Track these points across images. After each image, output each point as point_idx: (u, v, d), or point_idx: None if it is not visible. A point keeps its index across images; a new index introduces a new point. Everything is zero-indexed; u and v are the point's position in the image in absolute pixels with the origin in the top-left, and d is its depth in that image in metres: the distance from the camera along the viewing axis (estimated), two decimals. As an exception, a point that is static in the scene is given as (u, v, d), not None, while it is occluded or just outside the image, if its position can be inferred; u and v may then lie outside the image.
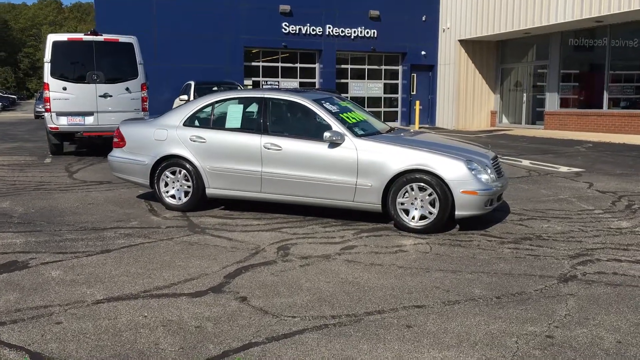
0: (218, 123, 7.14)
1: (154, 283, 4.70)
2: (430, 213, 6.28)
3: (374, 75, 25.00)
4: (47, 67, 12.08)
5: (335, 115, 6.79)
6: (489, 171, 6.43)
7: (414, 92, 25.21)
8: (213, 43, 21.32)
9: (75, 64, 12.26)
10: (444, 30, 24.76)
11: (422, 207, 6.32)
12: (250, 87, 23.16)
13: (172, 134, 7.19)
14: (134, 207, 7.50)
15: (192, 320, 3.96)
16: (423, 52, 24.77)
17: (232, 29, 21.67)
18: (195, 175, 7.08)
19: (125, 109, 12.29)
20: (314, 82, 23.67)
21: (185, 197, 7.22)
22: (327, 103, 7.02)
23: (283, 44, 22.51)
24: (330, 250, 5.67)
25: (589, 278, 4.93)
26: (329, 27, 23.10)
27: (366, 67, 24.78)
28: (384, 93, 25.25)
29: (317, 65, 23.79)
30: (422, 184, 6.27)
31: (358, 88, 24.71)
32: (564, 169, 11.42)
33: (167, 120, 7.35)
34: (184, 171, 7.15)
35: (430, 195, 6.26)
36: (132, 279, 4.80)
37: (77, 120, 12.14)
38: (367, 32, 23.67)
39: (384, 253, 5.62)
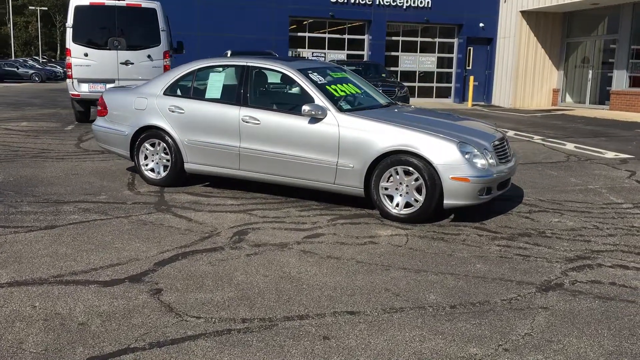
0: (198, 93, 6.61)
1: (74, 267, 4.26)
2: (416, 200, 5.56)
3: (426, 48, 23.82)
4: (69, 32, 11.89)
5: (320, 87, 6.11)
6: (488, 155, 5.62)
7: (470, 67, 23.88)
8: (258, 12, 20.78)
9: (97, 30, 12.02)
10: (505, 1, 23.21)
11: (407, 193, 5.60)
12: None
13: (152, 103, 6.73)
14: (115, 180, 7.13)
15: (81, 315, 3.48)
16: (481, 24, 23.35)
17: (278, -3, 21.07)
18: (174, 149, 6.60)
19: (146, 76, 11.94)
20: (363, 55, 22.79)
21: (164, 171, 6.77)
22: (315, 73, 6.33)
23: (330, 14, 21.70)
24: (292, 238, 5.08)
25: (577, 288, 4.12)
26: (380, -4, 22.10)
27: (419, 39, 23.63)
28: (437, 67, 24.05)
29: (366, 37, 22.85)
30: (407, 167, 5.54)
31: (409, 62, 23.62)
32: (610, 154, 10.26)
33: (149, 88, 6.88)
34: (163, 144, 6.69)
35: (416, 180, 5.53)
36: (54, 260, 4.38)
37: (99, 87, 11.93)
38: (421, 2, 22.48)
39: (350, 244, 4.97)
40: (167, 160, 6.70)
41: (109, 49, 11.94)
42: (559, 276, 4.35)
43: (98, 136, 7.26)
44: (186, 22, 20.11)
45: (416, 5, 22.47)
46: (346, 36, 22.78)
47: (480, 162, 5.51)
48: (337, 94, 6.20)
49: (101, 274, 4.14)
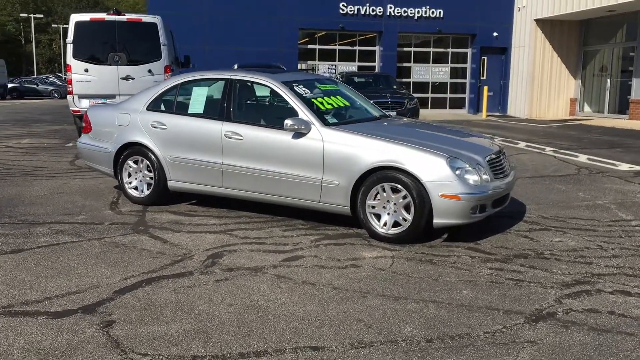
0: (181, 108, 6.36)
1: (28, 296, 3.99)
2: (405, 219, 5.21)
3: (439, 58, 23.44)
4: (69, 48, 11.78)
5: (305, 100, 5.82)
6: (482, 171, 5.25)
7: (484, 77, 23.43)
8: (266, 24, 20.62)
9: (98, 45, 11.88)
10: (519, 9, 22.77)
11: (395, 211, 5.26)
12: (309, 71, 22.35)
13: (135, 119, 6.49)
14: (100, 199, 6.89)
15: (18, 352, 3.20)
16: (495, 34, 22.92)
17: (287, 9, 20.85)
18: (157, 166, 6.35)
19: (147, 92, 11.79)
20: (374, 66, 22.48)
21: (147, 189, 6.51)
22: (301, 86, 6.04)
23: (340, 26, 21.46)
24: (269, 261, 4.77)
25: (571, 318, 3.74)
26: (390, 7, 21.77)
27: (431, 49, 23.25)
28: (451, 78, 23.63)
29: (377, 48, 22.56)
30: (395, 184, 5.20)
31: (422, 72, 23.25)
32: (624, 166, 9.79)
33: (131, 103, 6.65)
34: (146, 161, 6.44)
35: (404, 198, 5.18)
36: (9, 288, 4.12)
37: (99, 103, 11.77)
38: (432, 12, 22.14)
39: (330, 268, 4.64)
40: (151, 178, 6.45)
41: (109, 64, 11.80)
42: (552, 304, 3.97)
43: (82, 153, 7.04)
44: (194, 35, 20.03)
45: (428, 15, 22.13)
46: (357, 48, 22.52)
47: (472, 178, 5.15)
48: (322, 107, 5.90)
49: (54, 304, 3.86)
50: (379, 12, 21.68)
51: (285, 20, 20.85)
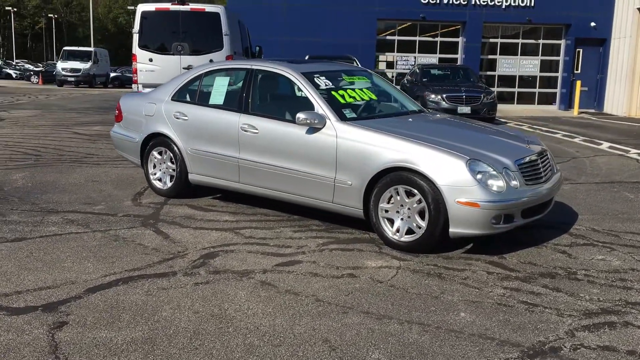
0: (203, 98, 6.15)
1: (1, 289, 3.91)
2: (419, 227, 4.71)
3: (528, 50, 22.05)
4: (135, 38, 11.99)
5: (323, 92, 5.42)
6: (510, 176, 4.65)
7: (578, 71, 21.82)
8: (344, 15, 20.23)
9: (162, 35, 12.02)
10: (620, -2, 20.96)
11: (409, 217, 4.77)
12: (383, 65, 21.79)
13: (160, 109, 6.36)
14: (128, 188, 6.84)
15: (-48, 350, 3.08)
16: (592, 24, 21.25)
17: (365, -1, 20.36)
18: (179, 158, 6.19)
19: (208, 81, 11.79)
20: (456, 58, 21.52)
21: (170, 181, 6.37)
22: (322, 77, 5.64)
23: (421, 16, 20.67)
24: (262, 265, 4.44)
25: (578, 356, 3.14)
26: (476, -4, 20.73)
27: (520, 41, 21.92)
28: (541, 71, 22.18)
29: (460, 39, 21.55)
30: (409, 187, 4.71)
31: (508, 65, 21.98)
32: None
33: (158, 93, 6.52)
34: (169, 152, 6.29)
35: (419, 202, 4.68)
36: (-14, 279, 4.06)
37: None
38: (522, 0, 20.83)
39: (323, 276, 4.25)
40: (173, 170, 6.31)
41: (173, 54, 11.90)
42: (562, 337, 3.37)
43: (114, 142, 7.02)
44: (272, 26, 20.01)
45: (517, 4, 20.86)
46: (438, 39, 21.62)
47: (496, 183, 4.56)
48: (342, 101, 5.47)
49: (20, 299, 3.74)
50: (463, 1, 20.68)
51: (363, 11, 20.35)
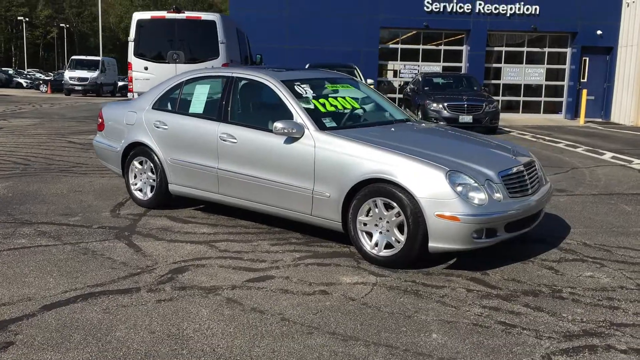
0: (183, 107, 5.99)
1: (-46, 304, 3.75)
2: (398, 241, 4.51)
3: (534, 58, 21.79)
4: (131, 46, 11.91)
5: (302, 101, 5.24)
6: (493, 188, 4.44)
7: (584, 80, 21.52)
8: (347, 23, 20.08)
9: (157, 43, 11.94)
10: (627, 5, 20.69)
11: (387, 231, 4.57)
12: (390, 73, 21.64)
13: (140, 117, 6.21)
14: (109, 199, 6.68)
15: None
16: (599, 32, 20.96)
17: (368, 7, 20.17)
18: (160, 168, 6.03)
19: (204, 90, 11.66)
20: (460, 67, 21.29)
21: (150, 192, 6.21)
22: (304, 85, 5.47)
23: (424, 24, 20.47)
24: (231, 281, 4.25)
25: (551, 385, 2.92)
26: (480, 4, 20.47)
27: (525, 49, 21.66)
28: (546, 80, 21.89)
29: (464, 48, 21.33)
30: (387, 199, 4.51)
31: (513, 74, 21.72)
32: None
33: (140, 102, 6.38)
34: (149, 162, 6.13)
35: (397, 216, 4.48)
36: (-59, 295, 3.90)
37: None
38: (527, 9, 20.58)
39: (294, 293, 4.06)
40: (153, 180, 6.15)
41: (168, 62, 11.80)
42: (537, 362, 3.15)
43: (97, 152, 6.88)
44: (274, 34, 19.92)
45: (522, 12, 20.62)
46: (442, 47, 21.42)
47: (478, 196, 4.36)
48: (323, 110, 5.29)
49: (-30, 317, 3.58)
50: (467, 9, 20.47)
51: (366, 19, 20.20)
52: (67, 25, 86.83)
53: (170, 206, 6.27)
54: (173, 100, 6.08)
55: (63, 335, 3.36)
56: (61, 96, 33.30)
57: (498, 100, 15.88)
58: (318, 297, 4.01)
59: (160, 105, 6.15)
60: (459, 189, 4.33)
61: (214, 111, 5.67)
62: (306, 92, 5.38)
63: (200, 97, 5.89)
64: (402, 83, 21.20)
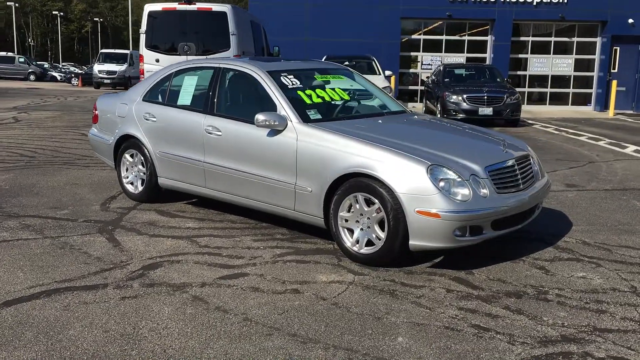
0: (172, 98, 5.88)
1: None
2: (378, 238, 4.32)
3: (562, 49, 21.14)
4: (142, 38, 11.88)
5: (287, 92, 5.07)
6: (478, 184, 4.21)
7: (615, 70, 20.81)
8: (367, 14, 19.77)
9: (169, 35, 11.86)
10: (660, -7, 19.89)
11: (368, 227, 4.38)
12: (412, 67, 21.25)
13: (131, 109, 6.12)
14: (103, 192, 6.62)
15: None
16: (630, 20, 20.22)
17: (389, -4, 19.86)
18: (150, 161, 5.94)
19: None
20: (484, 58, 20.80)
21: (141, 185, 6.13)
22: (290, 76, 5.29)
23: (447, 14, 20.02)
24: (203, 278, 4.13)
25: (513, 396, 2.71)
26: (505, -7, 19.96)
27: (552, 39, 21.04)
28: (575, 71, 21.25)
29: (488, 38, 20.81)
30: (368, 194, 4.32)
31: (540, 64, 21.13)
32: None
33: (131, 93, 6.29)
34: (140, 155, 6.05)
35: (378, 212, 4.29)
36: None
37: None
38: (554, -3, 19.99)
39: (264, 291, 3.91)
40: (144, 174, 6.06)
41: (179, 54, 11.72)
42: (504, 370, 2.94)
43: (91, 144, 6.82)
44: (294, 27, 19.74)
45: (549, 0, 20.01)
46: (466, 38, 20.94)
47: (461, 192, 4.14)
48: (309, 101, 5.11)
49: None
50: (492, -2, 19.96)
51: (387, 9, 19.85)
52: (101, 19, 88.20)
53: (162, 200, 6.18)
54: (163, 92, 5.98)
55: (15, 333, 3.28)
56: (90, 89, 33.72)
57: (522, 92, 15.38)
58: (288, 296, 3.86)
59: (150, 97, 6.05)
60: (441, 184, 4.11)
61: (200, 103, 5.54)
62: (293, 83, 5.21)
63: (188, 88, 5.77)
64: (427, 76, 20.84)
